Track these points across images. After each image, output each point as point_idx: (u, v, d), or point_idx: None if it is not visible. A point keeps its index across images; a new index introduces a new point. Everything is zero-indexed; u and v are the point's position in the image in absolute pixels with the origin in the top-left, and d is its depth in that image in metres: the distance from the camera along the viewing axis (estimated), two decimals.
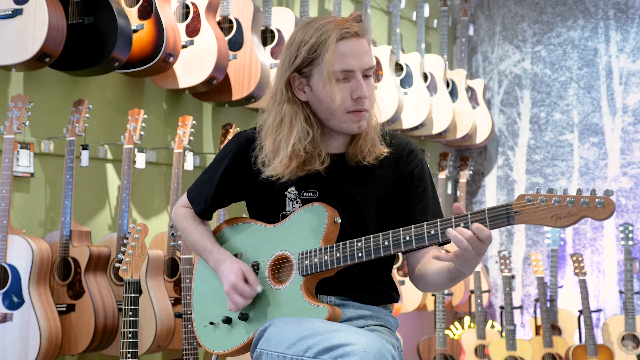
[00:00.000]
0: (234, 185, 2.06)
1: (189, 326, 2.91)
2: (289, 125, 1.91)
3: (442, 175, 5.08)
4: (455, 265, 1.76)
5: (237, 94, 3.46)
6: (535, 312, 4.77)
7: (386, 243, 1.80)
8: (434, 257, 1.75)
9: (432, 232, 1.74)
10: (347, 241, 1.85)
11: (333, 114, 1.90)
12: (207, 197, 2.09)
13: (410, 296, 4.48)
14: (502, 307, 4.67)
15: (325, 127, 1.95)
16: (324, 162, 1.93)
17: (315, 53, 1.86)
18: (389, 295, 2.04)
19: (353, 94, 1.88)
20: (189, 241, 2.12)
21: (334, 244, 1.86)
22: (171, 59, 3.15)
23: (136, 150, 3.23)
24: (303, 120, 1.91)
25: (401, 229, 1.78)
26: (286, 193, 1.98)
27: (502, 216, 1.66)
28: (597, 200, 1.58)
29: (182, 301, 3.05)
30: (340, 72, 1.86)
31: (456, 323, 5.00)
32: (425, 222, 1.75)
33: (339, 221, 1.91)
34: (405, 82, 4.57)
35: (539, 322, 4.69)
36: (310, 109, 1.93)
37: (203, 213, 2.12)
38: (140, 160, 3.27)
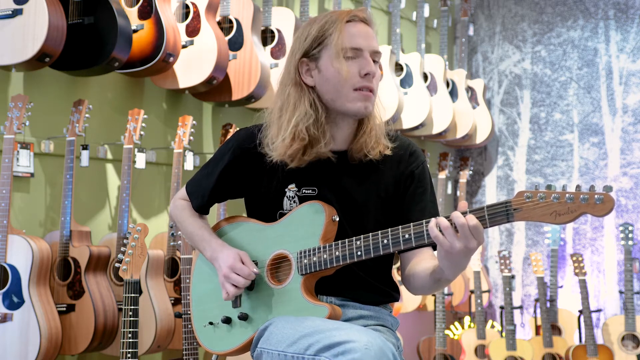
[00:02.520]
0: (233, 181, 2.06)
1: (189, 326, 2.91)
2: (293, 107, 1.93)
3: (442, 175, 5.08)
4: (440, 263, 1.75)
5: (237, 94, 3.46)
6: (535, 312, 4.77)
7: (385, 241, 1.80)
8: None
9: None
10: (347, 240, 1.85)
11: (339, 92, 1.91)
12: (205, 191, 2.09)
13: (410, 296, 4.48)
14: (502, 307, 4.67)
15: (330, 111, 1.95)
16: (328, 144, 1.93)
17: (325, 34, 1.91)
18: (389, 294, 2.04)
19: (361, 70, 1.91)
20: (187, 232, 2.12)
21: (333, 243, 1.86)
22: (171, 59, 3.15)
23: (136, 150, 3.23)
24: (307, 104, 1.93)
25: (400, 227, 1.78)
26: (285, 190, 1.98)
27: (502, 213, 1.66)
28: (596, 196, 1.58)
29: (182, 301, 3.05)
30: (349, 50, 1.90)
31: (456, 323, 5.00)
32: (424, 221, 1.75)
33: (337, 219, 1.91)
34: (405, 82, 4.57)
35: (539, 322, 4.69)
36: (317, 94, 1.94)
37: (200, 207, 2.13)
38: (140, 160, 3.27)
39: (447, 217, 1.69)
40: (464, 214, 1.68)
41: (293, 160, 1.93)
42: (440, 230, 1.69)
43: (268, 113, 2.01)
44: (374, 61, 1.94)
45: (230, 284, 1.93)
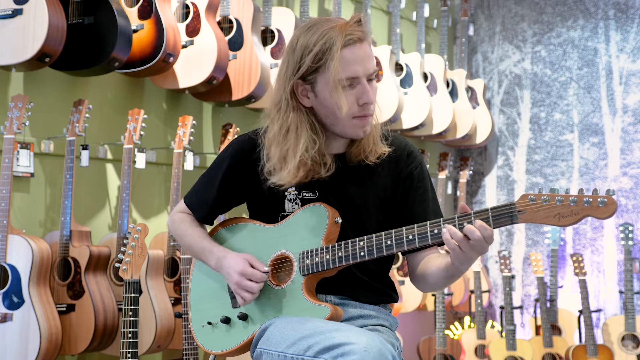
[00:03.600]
0: (235, 186, 2.04)
1: (189, 326, 2.91)
2: (296, 135, 1.90)
3: (442, 175, 5.08)
4: (454, 262, 1.76)
5: (237, 94, 3.46)
6: (535, 312, 4.77)
7: (389, 242, 1.80)
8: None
9: (435, 231, 1.75)
10: (349, 240, 1.85)
11: (338, 120, 1.90)
12: (208, 201, 2.07)
13: (410, 296, 4.48)
14: (502, 307, 4.67)
15: (328, 131, 1.95)
16: (329, 169, 1.92)
17: (320, 62, 1.85)
18: (389, 294, 2.04)
19: (359, 100, 1.88)
20: (187, 245, 2.09)
21: (336, 244, 1.86)
22: (171, 59, 3.15)
23: (136, 150, 3.23)
24: (309, 128, 1.90)
25: (404, 228, 1.79)
26: (286, 194, 1.98)
27: (506, 215, 1.67)
28: (599, 199, 1.61)
29: (182, 301, 3.06)
30: (346, 80, 1.86)
31: (456, 323, 5.00)
32: (428, 222, 1.76)
33: (340, 221, 1.91)
34: (405, 82, 4.57)
35: (539, 322, 4.69)
36: (315, 115, 1.93)
37: (204, 218, 2.11)
38: (140, 160, 3.27)
39: (460, 228, 1.71)
40: (468, 217, 1.70)
41: (294, 184, 1.92)
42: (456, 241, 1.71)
43: (264, 129, 1.97)
44: (370, 80, 1.90)
45: (245, 290, 1.91)
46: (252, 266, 1.92)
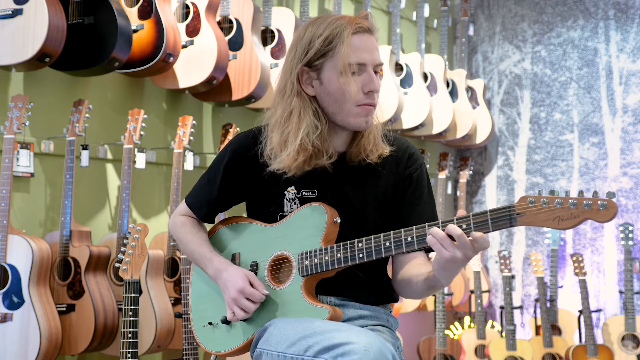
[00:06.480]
0: (236, 183, 2.04)
1: (189, 326, 2.91)
2: (298, 119, 1.90)
3: (442, 175, 5.07)
4: (436, 272, 1.75)
5: (237, 94, 3.46)
6: (535, 312, 4.77)
7: (387, 244, 1.80)
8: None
9: None
10: (348, 242, 1.84)
11: (342, 107, 1.90)
12: (209, 199, 2.06)
13: None
14: (502, 307, 4.67)
15: (330, 122, 1.94)
16: (332, 157, 1.92)
17: (330, 45, 1.87)
18: (389, 294, 2.04)
19: (365, 87, 1.89)
20: (187, 251, 2.08)
21: (335, 245, 1.86)
22: (171, 59, 3.15)
23: (136, 150, 3.23)
24: (312, 114, 1.91)
25: (402, 230, 1.78)
26: (285, 193, 1.98)
27: (505, 218, 1.66)
28: (599, 202, 1.58)
29: (182, 301, 3.06)
30: (354, 65, 1.87)
31: (456, 323, 5.00)
32: (427, 224, 1.75)
33: (339, 221, 1.91)
34: (405, 82, 4.57)
35: (539, 322, 4.69)
36: (318, 103, 1.93)
37: (206, 216, 2.10)
38: (140, 160, 3.27)
39: (443, 229, 1.70)
40: (467, 219, 1.68)
41: (293, 170, 1.91)
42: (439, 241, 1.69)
43: (267, 118, 1.98)
44: (375, 72, 1.92)
45: (240, 307, 1.90)
46: (252, 285, 1.91)
